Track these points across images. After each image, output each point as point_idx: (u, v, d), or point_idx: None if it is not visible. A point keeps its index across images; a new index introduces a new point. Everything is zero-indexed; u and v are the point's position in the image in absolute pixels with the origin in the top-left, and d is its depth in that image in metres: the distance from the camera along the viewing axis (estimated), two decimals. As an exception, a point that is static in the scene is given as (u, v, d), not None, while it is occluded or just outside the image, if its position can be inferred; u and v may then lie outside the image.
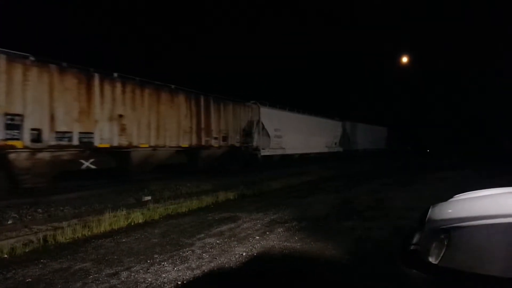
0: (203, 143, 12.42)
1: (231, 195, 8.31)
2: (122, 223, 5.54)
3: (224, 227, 5.29)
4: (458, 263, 1.79)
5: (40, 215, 6.60)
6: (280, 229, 5.09)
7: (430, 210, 2.53)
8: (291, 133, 18.21)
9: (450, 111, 43.90)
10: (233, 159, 14.39)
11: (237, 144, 14.30)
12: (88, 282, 3.29)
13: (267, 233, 4.92)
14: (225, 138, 13.63)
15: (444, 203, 2.64)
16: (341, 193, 8.73)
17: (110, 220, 5.48)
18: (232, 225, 5.45)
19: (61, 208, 7.09)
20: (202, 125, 12.45)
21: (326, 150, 22.64)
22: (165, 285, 3.20)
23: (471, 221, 1.98)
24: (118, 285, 3.20)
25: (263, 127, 16.02)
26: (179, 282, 3.26)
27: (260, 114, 15.79)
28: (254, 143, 15.33)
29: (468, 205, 2.48)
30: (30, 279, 3.37)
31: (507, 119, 37.38)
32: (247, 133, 15.03)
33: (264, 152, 15.90)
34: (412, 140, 40.85)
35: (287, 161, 18.12)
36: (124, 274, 3.47)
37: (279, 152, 17.33)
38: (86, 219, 5.92)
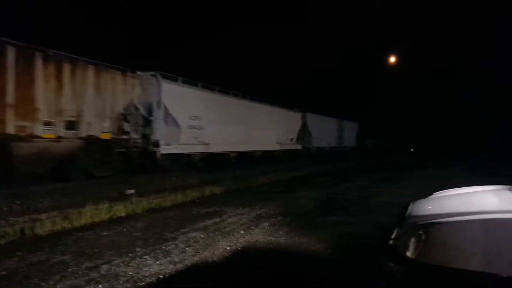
0: (9, 130, 7.51)
1: (217, 190, 8.29)
2: (104, 216, 5.43)
3: (209, 221, 5.27)
4: (435, 257, 1.85)
5: (18, 206, 6.38)
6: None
7: (410, 206, 2.59)
8: (221, 124, 13.68)
9: (441, 108, 44.46)
10: (102, 160, 9.75)
11: (106, 136, 9.55)
12: (66, 275, 3.21)
13: (252, 227, 4.93)
14: (73, 125, 8.83)
15: (423, 200, 2.72)
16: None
17: (91, 213, 5.36)
18: (217, 219, 5.44)
19: (41, 199, 6.88)
20: (8, 99, 7.45)
21: (278, 147, 18.26)
22: (146, 278, 3.16)
23: (448, 217, 2.05)
24: (98, 279, 3.15)
25: (168, 113, 11.28)
26: (161, 276, 3.22)
27: (161, 92, 10.98)
28: (151, 136, 10.84)
29: (446, 202, 2.56)
30: (4, 272, 3.27)
31: (499, 115, 38.63)
32: (134, 120, 10.53)
33: (168, 149, 11.28)
34: (393, 137, 39.73)
35: (216, 162, 13.71)
36: (104, 267, 3.41)
37: (199, 149, 12.81)
38: (66, 211, 5.77)
